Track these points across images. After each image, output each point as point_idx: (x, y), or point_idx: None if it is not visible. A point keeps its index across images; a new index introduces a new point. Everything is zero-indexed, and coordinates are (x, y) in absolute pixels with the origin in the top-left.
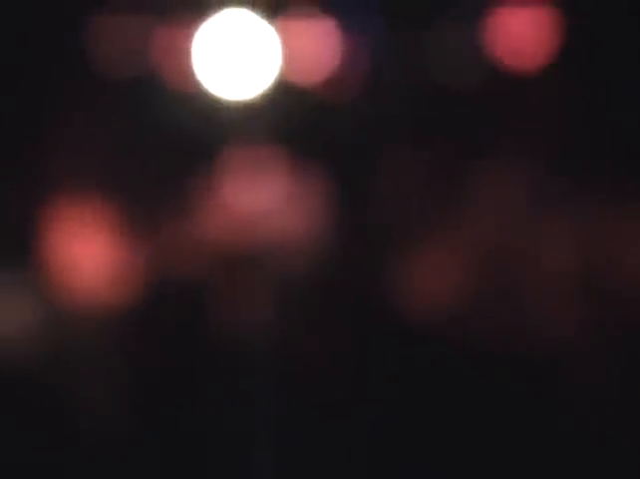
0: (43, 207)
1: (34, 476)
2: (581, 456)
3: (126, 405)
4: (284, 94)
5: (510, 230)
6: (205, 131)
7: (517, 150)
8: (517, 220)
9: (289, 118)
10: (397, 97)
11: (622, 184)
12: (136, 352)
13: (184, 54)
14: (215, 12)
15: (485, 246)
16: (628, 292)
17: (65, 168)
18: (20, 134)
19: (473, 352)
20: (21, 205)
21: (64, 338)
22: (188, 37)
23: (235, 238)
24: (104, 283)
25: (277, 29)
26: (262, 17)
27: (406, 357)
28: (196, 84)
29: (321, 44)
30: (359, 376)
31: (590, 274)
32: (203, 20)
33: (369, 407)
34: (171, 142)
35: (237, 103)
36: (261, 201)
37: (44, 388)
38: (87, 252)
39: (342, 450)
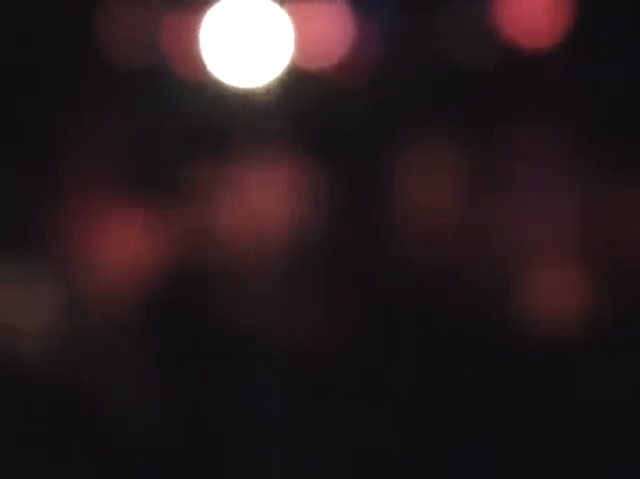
0: (54, 196)
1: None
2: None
3: (142, 395)
4: (296, 80)
5: (523, 206)
6: (216, 119)
7: (532, 128)
8: (531, 197)
9: (301, 104)
10: (410, 79)
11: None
12: (154, 340)
13: (193, 41)
14: None
15: (499, 222)
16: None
17: (73, 157)
18: (27, 123)
19: (480, 328)
20: (34, 195)
21: (83, 330)
22: (197, 23)
23: (246, 225)
24: (117, 274)
25: (288, 13)
26: (273, 1)
27: (418, 338)
28: (206, 72)
29: (333, 28)
30: (369, 360)
31: (597, 248)
32: (212, 5)
33: (380, 390)
34: (181, 131)
35: (248, 90)
36: (273, 188)
37: (64, 377)
38: (99, 243)
39: (355, 433)
